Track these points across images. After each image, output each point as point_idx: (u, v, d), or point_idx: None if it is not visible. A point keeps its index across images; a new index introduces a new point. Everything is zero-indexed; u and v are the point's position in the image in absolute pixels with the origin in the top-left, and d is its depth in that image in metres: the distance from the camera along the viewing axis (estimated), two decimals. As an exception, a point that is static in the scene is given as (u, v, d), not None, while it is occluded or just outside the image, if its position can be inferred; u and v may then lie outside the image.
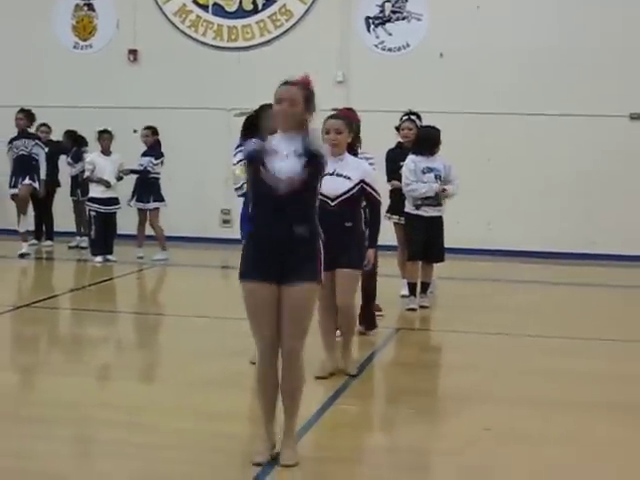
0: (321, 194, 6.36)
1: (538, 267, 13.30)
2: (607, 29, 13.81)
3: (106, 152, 13.03)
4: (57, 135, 14.47)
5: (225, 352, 7.49)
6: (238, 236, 6.68)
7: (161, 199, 13.25)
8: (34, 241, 14.29)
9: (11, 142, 13.61)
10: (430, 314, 9.70)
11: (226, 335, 8.14)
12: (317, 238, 5.03)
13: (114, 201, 12.98)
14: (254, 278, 4.92)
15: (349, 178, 6.68)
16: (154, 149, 13.26)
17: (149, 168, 13.08)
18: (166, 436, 5.48)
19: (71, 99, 15.00)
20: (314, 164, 4.89)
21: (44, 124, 14.31)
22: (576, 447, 5.49)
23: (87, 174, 12.99)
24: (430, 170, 9.54)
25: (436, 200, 9.54)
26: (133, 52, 15.37)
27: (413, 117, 10.13)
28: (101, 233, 12.89)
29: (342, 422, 5.94)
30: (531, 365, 7.47)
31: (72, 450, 5.45)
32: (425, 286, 9.87)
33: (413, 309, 9.61)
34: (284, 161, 4.86)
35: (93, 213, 12.93)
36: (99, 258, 12.78)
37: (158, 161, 13.16)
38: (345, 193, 6.68)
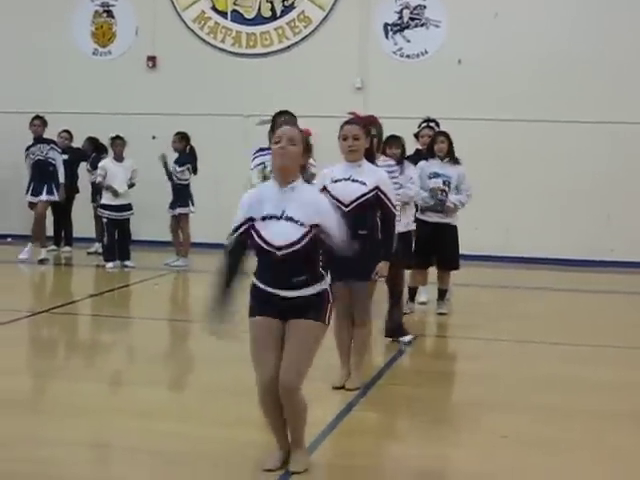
0: (335, 199, 6.41)
1: (556, 274, 13.23)
2: (628, 35, 13.77)
3: (119, 158, 12.97)
4: (77, 142, 14.50)
5: (240, 359, 7.42)
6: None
7: (185, 204, 13.18)
8: (53, 247, 14.31)
9: (28, 149, 13.55)
10: (447, 321, 9.68)
11: (241, 342, 8.10)
12: (323, 285, 4.94)
13: (126, 207, 12.92)
14: (260, 313, 4.93)
15: (364, 184, 6.61)
16: (182, 155, 13.14)
17: (174, 176, 13.07)
18: (180, 443, 5.47)
19: (90, 105, 15.07)
20: (316, 232, 4.82)
21: (66, 130, 14.32)
22: (590, 453, 5.45)
23: (99, 179, 12.91)
24: (437, 175, 9.51)
25: (440, 206, 9.51)
26: (152, 59, 15.42)
27: (432, 124, 10.13)
28: (113, 239, 12.88)
29: (359, 429, 5.93)
30: (549, 372, 7.43)
31: (89, 456, 5.45)
32: (442, 293, 9.85)
33: (404, 313, 9.59)
34: (280, 225, 4.82)
35: (105, 219, 12.93)
36: (110, 264, 12.77)
37: (181, 168, 13.01)
38: (359, 198, 6.58)
